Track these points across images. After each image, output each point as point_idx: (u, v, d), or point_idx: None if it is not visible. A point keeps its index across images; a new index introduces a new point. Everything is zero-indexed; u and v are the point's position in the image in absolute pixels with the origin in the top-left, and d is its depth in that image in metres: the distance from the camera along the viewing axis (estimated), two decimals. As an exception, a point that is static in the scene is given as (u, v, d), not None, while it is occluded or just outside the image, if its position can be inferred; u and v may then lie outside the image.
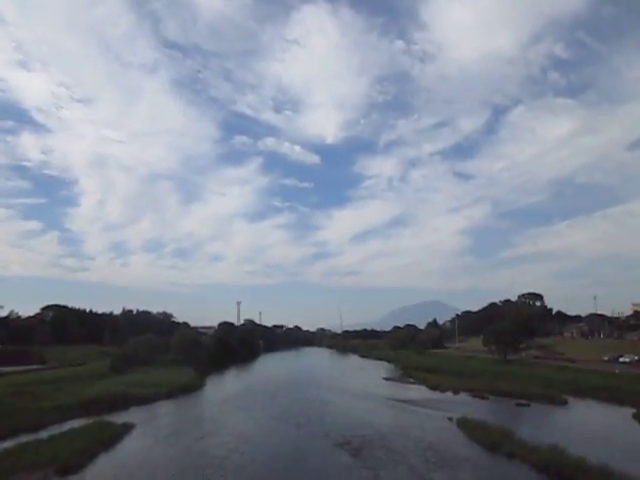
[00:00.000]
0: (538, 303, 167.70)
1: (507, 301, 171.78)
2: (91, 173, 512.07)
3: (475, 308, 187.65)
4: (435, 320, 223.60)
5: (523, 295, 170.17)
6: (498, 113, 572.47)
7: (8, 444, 32.09)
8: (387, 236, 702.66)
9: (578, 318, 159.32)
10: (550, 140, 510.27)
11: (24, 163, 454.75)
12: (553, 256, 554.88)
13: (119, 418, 42.80)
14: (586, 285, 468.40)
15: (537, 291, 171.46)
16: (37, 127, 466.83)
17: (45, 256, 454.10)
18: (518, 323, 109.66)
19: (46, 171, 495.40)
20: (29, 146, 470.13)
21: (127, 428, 39.86)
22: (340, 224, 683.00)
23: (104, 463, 30.65)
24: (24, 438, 34.14)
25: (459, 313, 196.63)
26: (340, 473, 29.10)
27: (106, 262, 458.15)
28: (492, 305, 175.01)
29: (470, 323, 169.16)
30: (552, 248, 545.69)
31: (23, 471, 26.63)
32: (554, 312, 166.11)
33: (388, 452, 32.96)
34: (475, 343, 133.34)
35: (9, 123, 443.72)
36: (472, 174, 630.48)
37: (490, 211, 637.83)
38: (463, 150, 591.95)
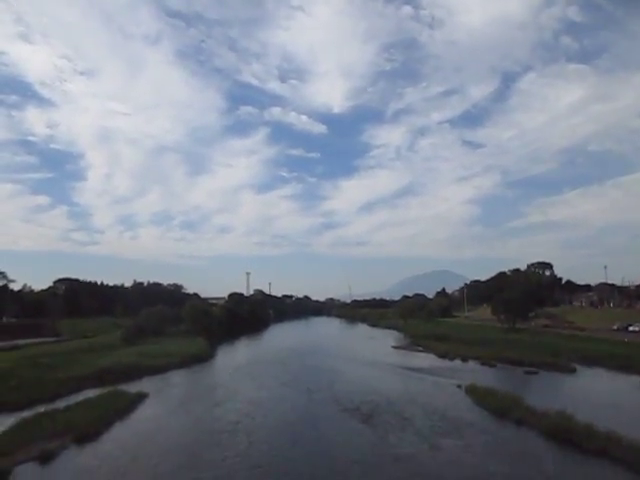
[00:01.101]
0: (547, 272, 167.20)
1: (516, 270, 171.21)
2: (97, 146, 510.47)
3: (484, 277, 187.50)
4: (444, 289, 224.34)
5: (532, 264, 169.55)
6: (508, 80, 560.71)
7: (26, 414, 32.79)
8: (395, 206, 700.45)
9: (588, 287, 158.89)
10: (561, 107, 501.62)
11: (30, 138, 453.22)
12: (563, 225, 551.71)
13: (133, 387, 43.68)
14: (596, 254, 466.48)
15: (547, 260, 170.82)
16: (41, 101, 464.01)
17: (55, 230, 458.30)
18: (527, 292, 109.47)
19: (52, 145, 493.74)
20: (34, 120, 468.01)
21: (141, 397, 40.65)
22: (348, 194, 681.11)
23: (119, 431, 31.36)
24: (41, 408, 34.89)
25: (468, 282, 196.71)
26: (349, 437, 29.65)
27: (115, 235, 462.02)
28: (501, 274, 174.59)
29: (479, 292, 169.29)
30: (562, 217, 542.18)
31: (42, 439, 27.26)
32: (563, 281, 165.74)
33: (397, 418, 33.46)
34: (484, 312, 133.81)
35: (13, 97, 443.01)
36: (481, 143, 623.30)
37: (499, 180, 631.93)
38: (472, 118, 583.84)
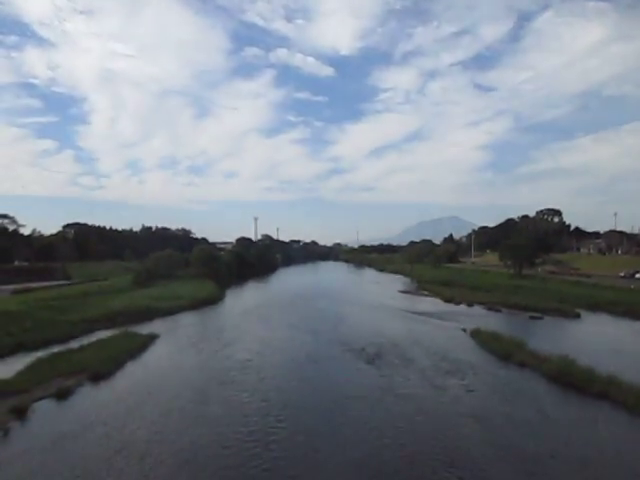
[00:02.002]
0: (556, 219, 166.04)
1: (525, 217, 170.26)
2: (101, 89, 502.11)
3: (492, 224, 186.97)
4: (451, 235, 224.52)
5: (541, 211, 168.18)
6: (523, 19, 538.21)
7: (42, 354, 33.77)
8: (403, 151, 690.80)
9: (596, 234, 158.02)
10: (578, 49, 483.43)
11: (32, 80, 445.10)
12: (574, 172, 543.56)
13: (144, 329, 44.68)
14: (607, 202, 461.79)
15: (556, 207, 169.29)
16: (41, 42, 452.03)
17: (62, 175, 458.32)
18: (535, 238, 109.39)
19: (55, 88, 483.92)
20: (35, 62, 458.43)
21: (152, 338, 41.63)
22: (355, 139, 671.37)
23: (133, 370, 32.29)
24: (56, 348, 35.93)
25: (476, 229, 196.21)
26: (353, 375, 30.66)
27: (122, 180, 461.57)
28: (509, 221, 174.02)
29: (486, 238, 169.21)
30: (573, 164, 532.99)
31: (58, 377, 28.17)
32: (572, 228, 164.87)
33: (401, 358, 34.23)
34: (491, 258, 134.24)
35: (12, 38, 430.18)
36: (493, 86, 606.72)
37: (511, 125, 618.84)
38: (484, 60, 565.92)
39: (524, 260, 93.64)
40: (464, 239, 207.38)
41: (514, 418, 22.60)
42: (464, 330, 43.92)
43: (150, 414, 23.51)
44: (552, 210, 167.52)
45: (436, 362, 33.10)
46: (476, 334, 41.00)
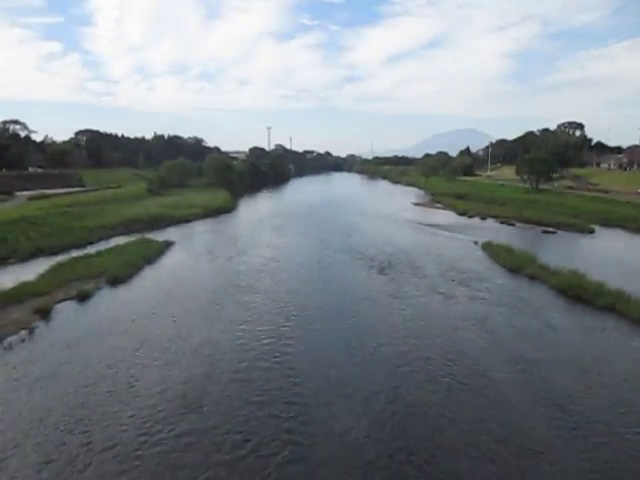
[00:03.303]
0: (578, 133, 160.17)
1: (545, 130, 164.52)
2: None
3: (511, 137, 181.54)
4: (468, 148, 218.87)
5: (563, 124, 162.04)
6: None
7: (61, 258, 34.68)
8: (422, 59, 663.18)
9: (618, 150, 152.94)
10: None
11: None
12: (601, 82, 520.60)
13: (159, 236, 45.45)
14: (633, 115, 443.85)
15: (578, 120, 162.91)
16: None
17: (70, 80, 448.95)
18: (554, 152, 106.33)
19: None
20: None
21: (168, 245, 42.43)
22: (372, 45, 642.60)
23: (150, 274, 33.25)
24: (74, 253, 36.82)
25: (493, 141, 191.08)
26: (364, 281, 31.66)
27: (131, 86, 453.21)
28: (529, 134, 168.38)
29: (504, 152, 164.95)
30: (601, 73, 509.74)
31: (78, 281, 29.10)
32: (593, 143, 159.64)
33: (411, 268, 34.79)
34: (508, 172, 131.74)
35: None
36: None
37: (538, 31, 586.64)
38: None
39: (541, 174, 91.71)
40: (481, 152, 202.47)
41: (519, 326, 23.13)
42: (476, 243, 44.03)
43: (169, 314, 24.48)
44: (574, 123, 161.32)
45: (446, 272, 33.53)
46: (487, 247, 41.11)
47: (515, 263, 34.59)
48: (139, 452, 13.13)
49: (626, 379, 17.65)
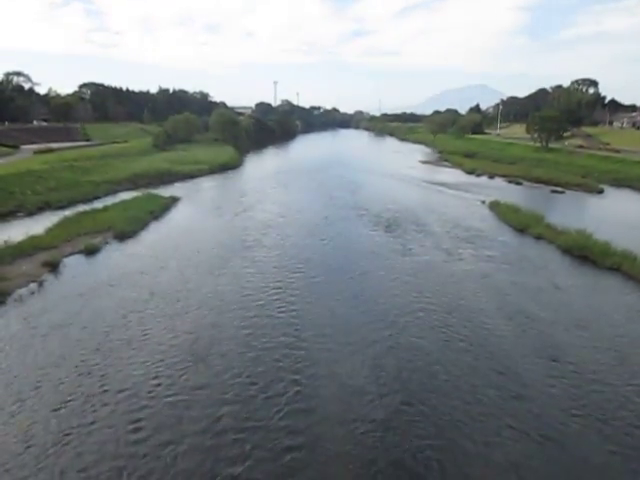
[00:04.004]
0: (591, 90, 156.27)
1: (558, 87, 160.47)
2: None
3: (523, 94, 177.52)
4: (478, 105, 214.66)
5: (576, 81, 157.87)
6: None
7: (68, 212, 34.82)
8: (434, 10, 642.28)
9: (632, 108, 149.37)
10: None
11: None
12: (618, 37, 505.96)
13: (165, 192, 45.38)
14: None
15: (592, 77, 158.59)
16: None
17: (73, 31, 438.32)
18: (566, 110, 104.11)
19: None
20: None
21: (174, 200, 42.41)
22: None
23: (157, 230, 33.43)
24: (80, 208, 36.91)
25: (504, 99, 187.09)
26: (369, 237, 32.09)
27: (135, 37, 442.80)
28: (541, 91, 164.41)
29: (515, 109, 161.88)
30: (619, 27, 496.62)
31: (85, 235, 29.30)
32: (607, 100, 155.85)
33: (416, 225, 34.92)
34: (518, 130, 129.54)
35: None
36: None
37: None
38: None
39: (552, 133, 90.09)
40: (491, 110, 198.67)
41: (522, 283, 23.29)
42: (483, 202, 43.77)
43: (177, 267, 24.83)
44: (588, 80, 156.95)
45: (451, 230, 33.57)
46: (494, 206, 40.90)
47: (521, 222, 34.46)
48: (152, 394, 13.67)
49: (624, 335, 17.88)
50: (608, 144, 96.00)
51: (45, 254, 25.18)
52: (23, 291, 20.92)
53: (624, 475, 11.05)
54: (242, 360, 15.61)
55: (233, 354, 15.99)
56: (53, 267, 23.99)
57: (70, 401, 13.24)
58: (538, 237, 31.64)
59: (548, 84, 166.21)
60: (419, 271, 24.82)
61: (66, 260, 25.36)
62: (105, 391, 13.71)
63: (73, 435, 11.87)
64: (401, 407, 13.28)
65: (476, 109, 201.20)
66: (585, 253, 27.32)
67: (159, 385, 14.07)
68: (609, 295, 22.20)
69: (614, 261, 25.48)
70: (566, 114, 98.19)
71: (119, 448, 11.46)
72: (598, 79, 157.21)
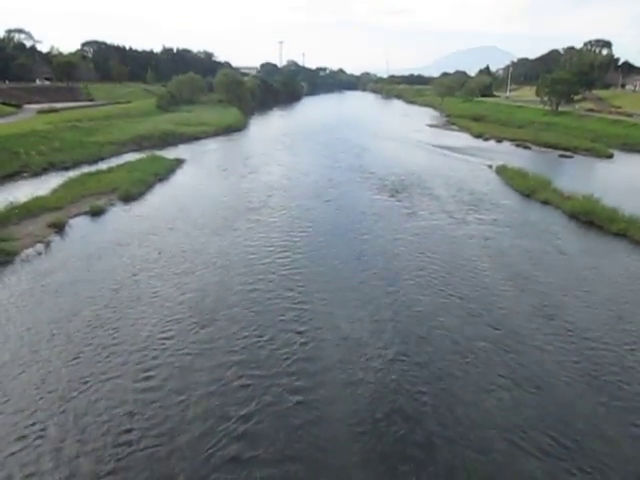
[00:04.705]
0: (605, 52, 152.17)
1: (570, 48, 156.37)
2: None
3: (535, 56, 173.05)
4: (488, 67, 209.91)
5: (589, 42, 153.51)
6: None
7: (73, 173, 34.81)
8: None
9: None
10: None
11: None
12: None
13: (170, 154, 45.15)
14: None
15: (606, 38, 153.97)
16: None
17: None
18: (578, 72, 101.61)
19: None
20: None
21: (179, 162, 42.26)
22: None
23: (162, 192, 33.51)
24: (85, 169, 36.84)
25: (515, 60, 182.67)
26: (373, 199, 32.19)
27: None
28: (553, 52, 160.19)
29: (526, 71, 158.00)
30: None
31: (90, 196, 29.36)
32: (621, 62, 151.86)
33: (422, 190, 34.77)
34: (528, 93, 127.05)
35: None
36: None
37: None
38: None
39: (562, 96, 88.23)
40: (501, 71, 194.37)
41: (525, 247, 23.32)
42: (490, 166, 43.35)
43: (182, 228, 25.02)
44: (601, 41, 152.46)
45: (456, 195, 33.40)
46: (501, 170, 40.49)
47: (528, 187, 34.12)
48: (163, 346, 14.08)
49: (624, 298, 18.00)
50: (619, 107, 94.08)
51: (51, 215, 25.28)
52: (30, 251, 21.11)
53: (608, 423, 11.43)
54: (248, 314, 16.06)
55: (240, 309, 16.40)
56: (59, 228, 24.13)
57: (83, 352, 13.66)
58: (544, 202, 31.40)
59: (560, 45, 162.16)
60: (422, 233, 24.99)
61: (72, 221, 25.51)
62: (116, 344, 14.10)
63: (87, 383, 12.31)
64: (398, 356, 13.82)
65: (486, 71, 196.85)
66: (591, 219, 27.13)
67: (169, 338, 14.47)
68: (613, 260, 22.21)
69: (620, 227, 25.28)
70: (578, 76, 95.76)
71: (131, 395, 11.88)
72: (614, 39, 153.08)
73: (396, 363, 13.47)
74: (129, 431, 10.74)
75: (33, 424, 10.81)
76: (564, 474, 9.91)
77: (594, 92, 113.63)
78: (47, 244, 22.17)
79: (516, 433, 10.91)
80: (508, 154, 52.03)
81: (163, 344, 14.13)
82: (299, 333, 14.94)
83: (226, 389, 12.18)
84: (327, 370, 13.12)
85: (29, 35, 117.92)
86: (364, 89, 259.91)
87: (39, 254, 21.02)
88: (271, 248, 22.27)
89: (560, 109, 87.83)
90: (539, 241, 24.27)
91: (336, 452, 10.42)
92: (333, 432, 10.99)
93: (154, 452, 10.15)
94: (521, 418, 11.42)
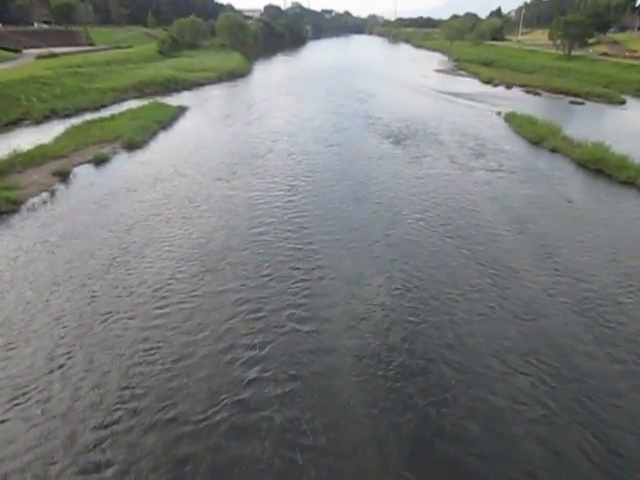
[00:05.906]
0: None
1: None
2: None
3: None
4: (499, 9, 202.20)
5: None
6: None
7: (75, 121, 34.40)
8: None
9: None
10: None
11: None
12: None
13: (173, 100, 44.53)
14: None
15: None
16: None
17: None
18: (593, 14, 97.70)
19: None
20: None
21: (182, 110, 41.67)
22: None
23: (166, 139, 33.26)
24: (88, 116, 36.43)
25: (528, 1, 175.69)
26: (378, 146, 31.95)
27: None
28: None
29: (539, 13, 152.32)
30: None
31: (93, 145, 29.18)
32: (638, 3, 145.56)
33: (427, 136, 34.39)
34: (540, 37, 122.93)
35: None
36: None
37: None
38: None
39: (576, 39, 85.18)
40: (513, 13, 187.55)
41: (530, 195, 23.17)
42: (498, 113, 42.48)
43: (188, 175, 25.00)
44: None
45: (463, 142, 32.97)
46: (510, 118, 39.68)
47: (537, 134, 33.51)
48: (176, 285, 14.56)
49: (626, 242, 18.14)
50: (635, 51, 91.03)
51: (55, 163, 25.24)
52: (36, 200, 21.22)
53: (593, 343, 12.20)
54: (256, 255, 16.46)
55: (247, 252, 16.75)
56: (64, 176, 24.11)
57: (99, 290, 14.18)
58: (553, 150, 30.94)
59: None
60: (425, 178, 24.99)
61: (76, 169, 25.47)
62: (127, 286, 14.42)
63: (102, 317, 12.89)
64: (399, 292, 14.35)
65: (497, 13, 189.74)
66: (600, 166, 26.78)
67: (181, 279, 14.89)
68: (620, 208, 22.06)
69: (629, 175, 24.95)
70: (592, 18, 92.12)
71: (141, 333, 12.35)
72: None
73: (397, 299, 13.98)
74: (151, 354, 11.52)
75: (60, 355, 11.42)
76: (550, 382, 10.82)
77: (610, 35, 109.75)
78: (52, 192, 22.23)
79: (509, 354, 11.69)
80: (518, 100, 50.87)
81: (176, 282, 14.61)
82: (304, 271, 15.42)
83: (237, 322, 12.74)
84: (331, 306, 13.61)
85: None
86: (371, 33, 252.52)
87: (45, 202, 21.11)
88: (276, 193, 22.44)
89: (573, 53, 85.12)
90: (544, 188, 24.11)
91: (341, 374, 11.05)
92: (338, 358, 11.58)
93: (173, 375, 10.86)
94: (512, 344, 12.13)
